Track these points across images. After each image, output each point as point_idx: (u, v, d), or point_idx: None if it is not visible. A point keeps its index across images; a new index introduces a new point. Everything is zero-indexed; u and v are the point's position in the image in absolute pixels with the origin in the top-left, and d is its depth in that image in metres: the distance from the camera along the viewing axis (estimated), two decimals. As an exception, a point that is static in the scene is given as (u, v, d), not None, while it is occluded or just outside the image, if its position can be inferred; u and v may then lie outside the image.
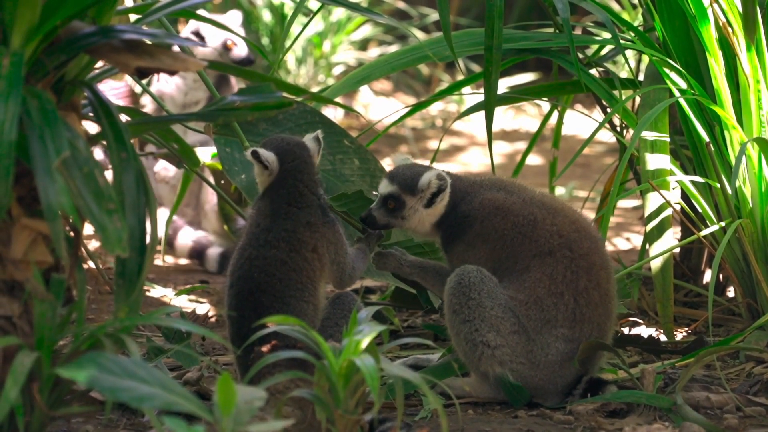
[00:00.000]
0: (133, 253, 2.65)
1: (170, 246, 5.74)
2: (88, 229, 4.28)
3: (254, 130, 4.09)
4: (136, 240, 2.66)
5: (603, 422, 3.34)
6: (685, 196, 4.22)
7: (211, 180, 5.23)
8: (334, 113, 8.93)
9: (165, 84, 5.82)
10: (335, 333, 3.29)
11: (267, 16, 8.98)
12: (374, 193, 3.79)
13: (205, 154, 4.87)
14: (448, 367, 3.59)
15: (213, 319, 4.56)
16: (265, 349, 3.13)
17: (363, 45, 9.96)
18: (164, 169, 5.81)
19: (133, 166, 2.69)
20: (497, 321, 3.43)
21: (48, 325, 2.70)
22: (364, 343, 2.76)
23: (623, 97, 4.28)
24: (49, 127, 2.55)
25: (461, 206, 3.57)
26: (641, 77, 4.48)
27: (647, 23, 4.56)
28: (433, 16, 9.88)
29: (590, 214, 4.63)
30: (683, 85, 4.09)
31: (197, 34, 5.76)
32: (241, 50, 5.79)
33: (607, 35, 4.61)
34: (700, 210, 4.14)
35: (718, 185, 4.06)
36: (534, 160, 8.29)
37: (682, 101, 4.05)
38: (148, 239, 2.68)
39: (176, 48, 2.83)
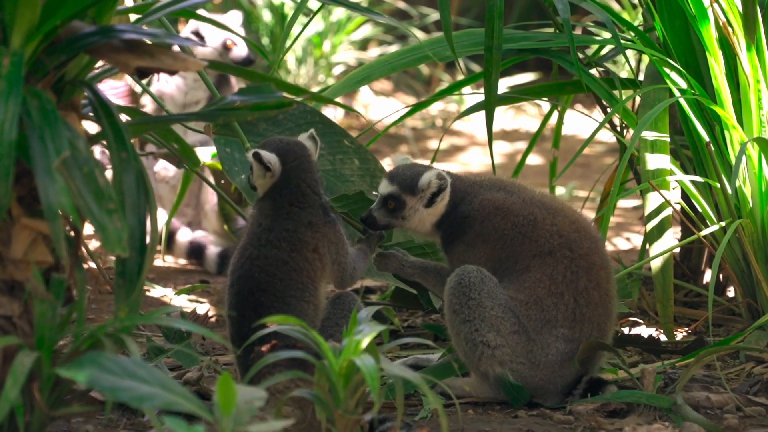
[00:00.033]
0: (133, 252, 2.65)
1: (169, 246, 5.74)
2: (88, 228, 4.29)
3: (254, 130, 4.09)
4: (136, 240, 2.66)
5: (603, 422, 3.34)
6: (685, 196, 4.22)
7: (211, 180, 5.23)
8: (334, 113, 8.93)
9: (165, 84, 5.82)
10: (335, 333, 3.29)
11: (267, 16, 8.99)
12: (374, 193, 3.79)
13: (205, 154, 4.87)
14: (448, 367, 3.59)
15: (213, 319, 4.56)
16: (265, 348, 3.13)
17: (363, 45, 9.96)
18: (164, 168, 5.81)
19: (133, 165, 2.69)
20: (497, 321, 3.43)
21: (48, 324, 2.70)
22: (364, 343, 2.76)
23: (623, 97, 4.28)
24: (49, 127, 2.56)
25: (461, 206, 3.57)
26: (641, 77, 4.48)
27: (647, 23, 4.56)
28: (433, 15, 9.88)
29: (590, 214, 4.63)
30: (683, 85, 4.09)
31: (197, 33, 5.76)
32: (241, 50, 5.79)
33: (607, 35, 4.61)
34: (700, 210, 4.14)
35: (718, 185, 4.06)
36: (534, 160, 8.29)
37: (682, 101, 4.05)
38: (148, 239, 2.68)
39: (176, 48, 2.83)
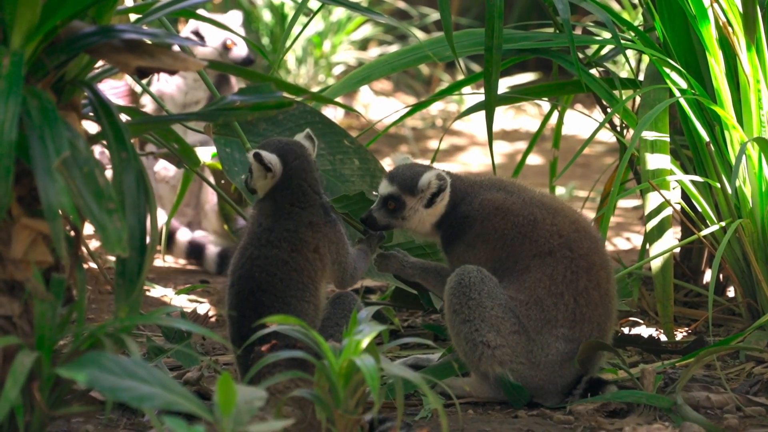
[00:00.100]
0: (133, 252, 2.65)
1: (169, 246, 5.74)
2: (88, 228, 4.29)
3: (254, 130, 4.09)
4: (136, 240, 2.66)
5: (603, 422, 3.34)
6: (685, 196, 4.22)
7: (212, 180, 5.23)
8: (334, 113, 8.93)
9: (165, 84, 5.82)
10: (335, 333, 3.29)
11: (267, 16, 8.98)
12: (374, 193, 3.79)
13: (206, 154, 4.87)
14: (448, 367, 3.59)
15: (213, 319, 4.56)
16: (265, 348, 3.13)
17: (363, 45, 9.96)
18: (164, 168, 5.81)
19: (133, 165, 2.69)
20: (497, 321, 3.43)
21: (48, 324, 2.70)
22: (365, 342, 2.76)
23: (623, 97, 4.28)
24: (50, 126, 2.55)
25: (461, 207, 3.57)
26: (641, 77, 4.48)
27: (647, 23, 4.56)
28: (433, 15, 9.88)
29: (590, 214, 4.63)
30: (683, 84, 4.09)
31: (197, 33, 5.76)
32: (241, 50, 5.79)
33: (607, 35, 4.61)
34: (700, 210, 4.14)
35: (718, 185, 4.06)
36: (534, 160, 8.29)
37: (682, 101, 4.05)
38: (148, 239, 2.68)
39: (176, 48, 2.83)
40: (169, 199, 5.73)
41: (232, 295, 3.35)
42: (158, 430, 2.49)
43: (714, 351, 3.55)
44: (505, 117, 9.90)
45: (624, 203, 7.01)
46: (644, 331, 4.16)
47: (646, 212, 4.06)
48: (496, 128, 6.68)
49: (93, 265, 4.14)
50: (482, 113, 4.17)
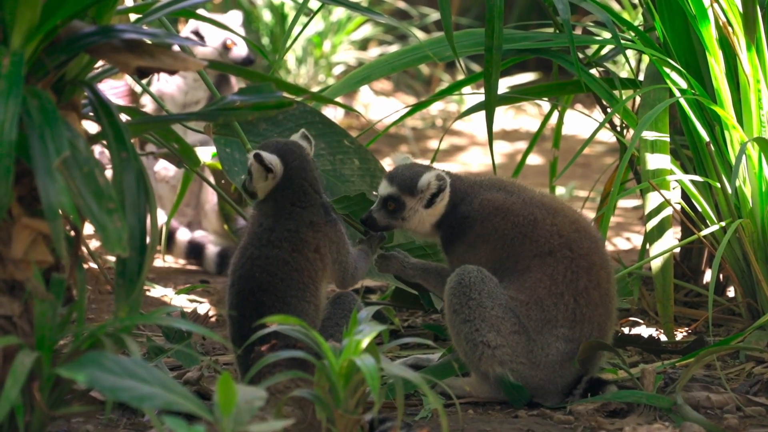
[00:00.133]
0: (133, 252, 2.65)
1: (169, 246, 5.74)
2: (88, 228, 4.29)
3: (254, 130, 4.09)
4: (136, 239, 2.66)
5: (603, 422, 3.34)
6: (685, 196, 4.22)
7: (212, 180, 5.23)
8: (334, 113, 8.93)
9: (165, 84, 5.82)
10: (336, 333, 3.29)
11: (267, 16, 8.98)
12: (374, 193, 3.79)
13: (206, 153, 4.87)
14: (448, 366, 3.59)
15: (213, 319, 4.56)
16: (265, 348, 3.13)
17: (363, 45, 9.95)
18: (164, 168, 5.81)
19: (133, 165, 2.69)
20: (497, 321, 3.43)
21: (48, 324, 2.70)
22: (365, 342, 2.76)
23: (623, 97, 4.28)
24: (50, 126, 2.55)
25: (461, 207, 3.57)
26: (641, 77, 4.48)
27: (647, 23, 4.56)
28: (434, 15, 9.88)
29: (590, 214, 4.63)
30: (683, 84, 4.09)
31: (197, 33, 5.76)
32: (241, 50, 5.79)
33: (607, 35, 4.61)
34: (700, 210, 4.14)
35: (719, 185, 4.06)
36: (534, 159, 8.29)
37: (682, 101, 4.05)
38: (148, 239, 2.68)
39: (176, 48, 2.83)
40: (169, 199, 5.73)
41: (233, 294, 3.35)
42: (158, 430, 2.49)
43: (714, 351, 3.55)
44: (505, 117, 9.90)
45: (624, 203, 7.01)
46: (644, 331, 4.16)
47: (646, 212, 4.06)
48: (496, 128, 6.68)
49: (93, 265, 4.14)
50: (482, 113, 4.17)
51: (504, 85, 8.50)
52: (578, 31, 5.77)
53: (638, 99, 4.32)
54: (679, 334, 4.17)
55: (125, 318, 2.68)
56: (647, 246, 4.06)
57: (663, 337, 4.01)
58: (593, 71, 4.45)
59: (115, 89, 5.29)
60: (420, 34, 9.39)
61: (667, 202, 4.02)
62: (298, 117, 4.12)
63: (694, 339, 3.83)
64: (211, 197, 5.77)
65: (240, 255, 3.37)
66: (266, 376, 3.01)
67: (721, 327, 4.23)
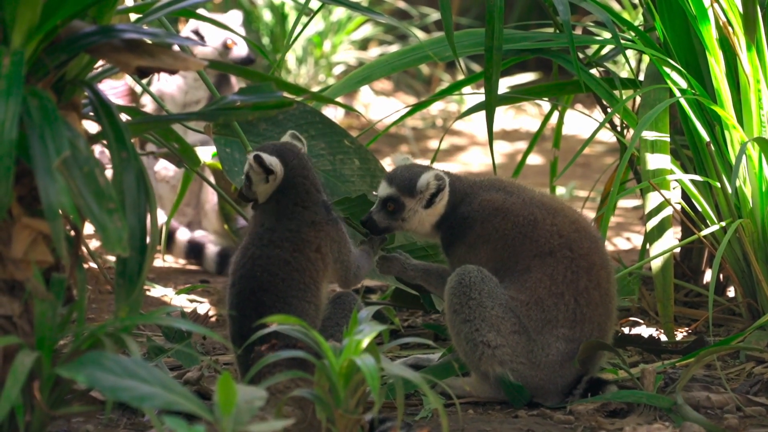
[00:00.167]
0: (133, 252, 2.65)
1: (169, 246, 5.74)
2: (88, 228, 4.29)
3: (254, 130, 4.09)
4: (136, 239, 2.66)
5: (603, 422, 3.34)
6: (685, 196, 4.22)
7: (212, 179, 5.23)
8: (334, 113, 8.93)
9: (165, 83, 5.82)
10: (336, 333, 3.29)
11: (267, 16, 8.98)
12: (374, 193, 3.79)
13: (206, 153, 4.87)
14: (448, 366, 3.59)
15: (213, 319, 4.56)
16: (265, 348, 3.13)
17: (363, 45, 9.95)
18: (164, 168, 5.81)
19: (133, 165, 2.69)
20: (498, 321, 3.43)
21: (48, 324, 2.70)
22: (365, 342, 2.76)
23: (624, 97, 4.28)
24: (50, 126, 2.55)
25: (461, 207, 3.57)
26: (642, 77, 4.48)
27: (648, 23, 4.56)
28: (434, 15, 9.88)
29: (590, 214, 4.63)
30: (684, 84, 4.09)
31: (197, 33, 5.76)
32: (241, 50, 5.79)
33: (607, 35, 4.61)
34: (700, 210, 4.14)
35: (719, 185, 4.06)
36: (534, 159, 8.29)
37: (682, 101, 4.05)
38: (148, 239, 2.68)
39: (176, 47, 2.83)
40: (170, 198, 5.73)
41: (233, 294, 3.35)
42: (158, 429, 2.48)
43: (714, 351, 3.55)
44: (506, 117, 9.90)
45: (624, 203, 7.01)
46: (644, 331, 4.16)
47: (647, 212, 4.06)
48: (496, 128, 6.68)
49: (93, 265, 4.14)
50: (482, 113, 4.17)
51: (504, 85, 8.51)
52: (578, 31, 5.78)
53: (638, 99, 4.32)
54: (680, 334, 4.17)
55: (125, 318, 2.68)
56: (647, 246, 4.06)
57: (663, 337, 4.01)
58: (593, 71, 4.45)
59: (115, 89, 5.29)
60: (420, 34, 9.39)
61: (667, 202, 4.02)
62: (298, 117, 4.12)
63: (694, 339, 3.83)
64: (211, 197, 5.77)
65: (241, 255, 3.37)
66: (266, 376, 3.01)
67: (722, 327, 4.23)
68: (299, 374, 2.85)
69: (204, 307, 4.75)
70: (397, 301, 4.35)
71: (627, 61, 4.29)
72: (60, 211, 2.50)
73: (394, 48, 9.74)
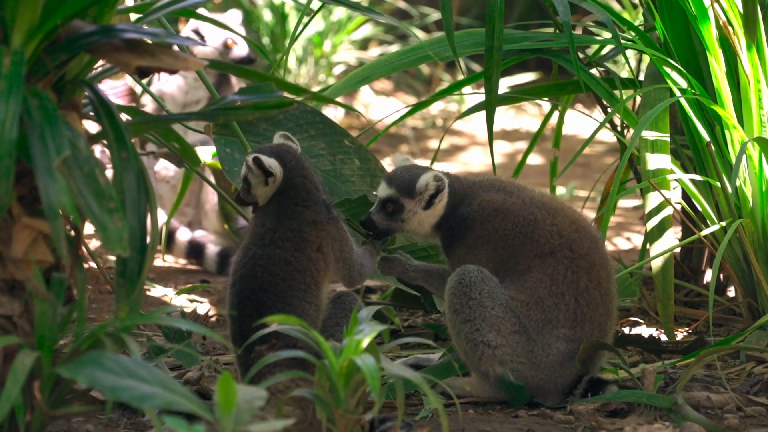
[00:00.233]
0: (133, 252, 2.65)
1: (169, 246, 5.74)
2: (88, 228, 4.29)
3: (254, 130, 4.09)
4: (136, 239, 2.66)
5: (603, 422, 3.34)
6: (685, 196, 4.22)
7: (212, 179, 5.23)
8: (334, 113, 8.93)
9: (166, 83, 5.82)
10: (336, 333, 3.29)
11: (267, 16, 8.98)
12: (374, 193, 3.79)
13: (206, 153, 4.88)
14: (448, 366, 3.59)
15: (213, 319, 4.56)
16: (265, 348, 3.13)
17: (364, 44, 9.95)
18: (165, 168, 5.81)
19: (133, 165, 2.69)
20: (498, 321, 3.43)
21: (48, 324, 2.70)
22: (365, 342, 2.76)
23: (624, 97, 4.28)
24: (50, 126, 2.55)
25: (461, 208, 3.56)
26: (642, 77, 4.48)
27: (648, 23, 4.56)
28: (434, 15, 9.88)
29: (591, 214, 4.63)
30: (684, 84, 4.09)
31: (197, 33, 5.76)
32: (241, 49, 5.79)
33: (607, 35, 4.61)
34: (700, 209, 4.14)
35: (719, 185, 4.06)
36: (535, 159, 8.29)
37: (682, 101, 4.05)
38: (148, 239, 2.68)
39: (176, 47, 2.83)
40: (170, 198, 5.73)
41: (234, 294, 3.35)
42: (159, 429, 2.48)
43: (714, 351, 3.55)
44: (506, 117, 9.90)
45: (624, 203, 7.01)
46: (645, 330, 4.16)
47: (647, 212, 4.06)
48: (496, 128, 6.68)
49: (93, 265, 4.14)
50: (483, 113, 4.17)
51: (504, 84, 8.51)
52: (578, 31, 5.78)
53: (638, 99, 4.32)
54: (680, 334, 4.17)
55: (125, 318, 2.68)
56: (647, 246, 4.06)
57: (663, 337, 4.01)
58: (593, 71, 4.45)
59: (115, 89, 5.29)
60: (420, 34, 9.39)
61: (667, 202, 4.01)
62: (299, 117, 4.12)
63: (694, 339, 3.83)
64: (211, 197, 5.77)
65: (242, 254, 3.37)
66: (266, 376, 3.01)
67: (722, 327, 4.23)
68: (299, 374, 2.85)
69: (204, 307, 4.75)
70: (397, 301, 4.35)
71: (627, 61, 4.29)
72: (60, 211, 2.50)
73: (394, 48, 9.74)
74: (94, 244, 5.44)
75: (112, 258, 4.84)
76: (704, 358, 3.48)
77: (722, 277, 4.47)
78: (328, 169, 4.11)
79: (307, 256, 3.35)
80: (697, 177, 4.07)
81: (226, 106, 2.89)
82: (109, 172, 2.62)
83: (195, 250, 5.69)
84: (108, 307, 4.45)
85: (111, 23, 2.87)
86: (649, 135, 4.06)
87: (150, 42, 2.76)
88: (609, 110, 4.44)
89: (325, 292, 3.39)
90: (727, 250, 4.07)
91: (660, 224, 4.03)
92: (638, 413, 3.39)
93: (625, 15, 5.73)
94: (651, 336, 3.90)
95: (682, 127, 4.21)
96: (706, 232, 4.05)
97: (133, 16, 3.30)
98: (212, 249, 5.65)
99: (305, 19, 4.42)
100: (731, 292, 4.50)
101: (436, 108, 9.77)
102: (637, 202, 6.90)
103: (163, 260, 5.74)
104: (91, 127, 2.93)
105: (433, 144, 8.95)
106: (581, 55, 4.47)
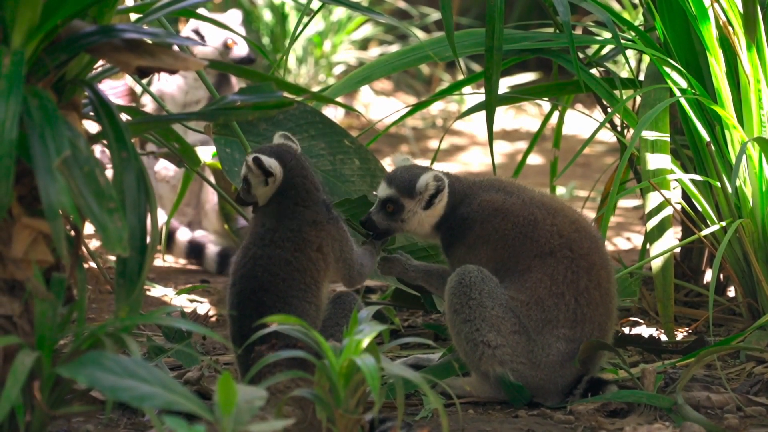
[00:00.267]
0: (133, 252, 2.65)
1: (169, 246, 5.74)
2: (88, 228, 4.29)
3: (254, 130, 4.09)
4: (136, 239, 2.66)
5: (603, 422, 3.34)
6: (685, 196, 4.22)
7: (212, 179, 5.23)
8: (334, 113, 8.93)
9: (166, 83, 5.82)
10: (336, 332, 3.29)
11: (267, 16, 8.98)
12: (374, 193, 3.79)
13: (206, 153, 4.88)
14: (448, 366, 3.59)
15: (213, 319, 4.56)
16: (265, 348, 3.13)
17: (364, 44, 9.95)
18: (165, 168, 5.81)
19: (133, 165, 2.69)
20: (498, 321, 3.43)
21: (48, 324, 2.70)
22: (365, 342, 2.76)
23: (624, 97, 4.28)
24: (50, 126, 2.55)
25: (460, 208, 3.56)
26: (642, 77, 4.48)
27: (648, 23, 4.56)
28: (434, 15, 9.88)
29: (591, 214, 4.63)
30: (684, 84, 4.09)
31: (197, 33, 5.76)
32: (241, 49, 5.79)
33: (607, 35, 4.61)
34: (700, 209, 4.14)
35: (719, 185, 4.06)
36: (535, 159, 8.29)
37: (682, 101, 4.05)
38: (148, 238, 2.68)
39: (176, 47, 2.83)
40: (170, 198, 5.73)
41: (234, 294, 3.35)
42: (159, 429, 2.48)
43: (714, 351, 3.55)
44: (506, 117, 9.90)
45: (624, 203, 7.01)
46: (645, 330, 4.16)
47: (647, 212, 4.06)
48: (496, 128, 6.68)
49: (93, 265, 4.14)
50: (483, 113, 4.17)
51: (504, 84, 8.51)
52: (578, 31, 5.78)
53: (638, 99, 4.32)
54: (680, 334, 4.17)
55: (125, 318, 2.68)
56: (647, 246, 4.06)
57: (663, 337, 4.01)
58: (593, 71, 4.45)
59: (115, 89, 5.29)
60: (420, 34, 9.39)
61: (667, 202, 4.01)
62: (299, 117, 4.12)
63: (694, 339, 3.83)
64: (211, 197, 5.77)
65: (242, 254, 3.37)
66: (266, 376, 3.01)
67: (722, 327, 4.23)
68: (299, 374, 2.85)
69: (204, 307, 4.75)
70: (397, 301, 4.35)
71: (627, 61, 4.29)
72: (60, 211, 2.50)
73: (394, 48, 9.74)
74: (94, 244, 5.44)
75: (112, 258, 4.84)
76: (704, 358, 3.48)
77: (722, 277, 4.47)
78: (328, 169, 4.11)
79: (307, 256, 3.35)
80: (697, 177, 4.07)
81: (226, 106, 2.89)
82: (109, 172, 2.62)
83: (195, 250, 5.69)
84: (108, 307, 4.45)
85: (111, 23, 2.87)
86: (649, 135, 4.06)
87: (150, 42, 2.76)
88: (609, 110, 4.44)
89: (325, 292, 3.39)
90: (727, 250, 4.07)
91: (660, 224, 4.03)
92: (638, 413, 3.39)
93: (625, 15, 5.73)
94: (651, 336, 3.90)
95: (682, 127, 4.21)
96: (706, 232, 4.05)
97: (133, 16, 3.31)
98: (212, 249, 5.65)
99: (305, 19, 4.42)
100: (731, 292, 4.50)
101: (436, 108, 9.77)
102: (637, 202, 6.90)
103: (163, 260, 5.74)
104: (91, 127, 2.93)
105: (433, 144, 8.95)
106: (581, 55, 4.47)
